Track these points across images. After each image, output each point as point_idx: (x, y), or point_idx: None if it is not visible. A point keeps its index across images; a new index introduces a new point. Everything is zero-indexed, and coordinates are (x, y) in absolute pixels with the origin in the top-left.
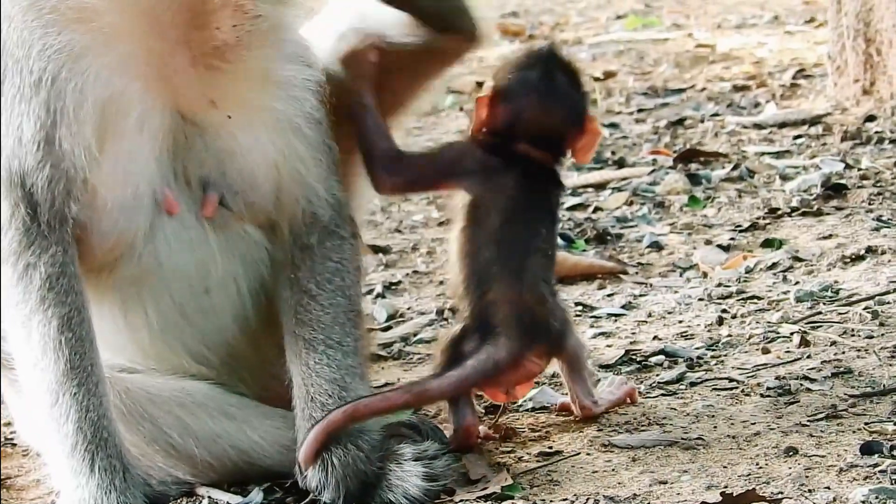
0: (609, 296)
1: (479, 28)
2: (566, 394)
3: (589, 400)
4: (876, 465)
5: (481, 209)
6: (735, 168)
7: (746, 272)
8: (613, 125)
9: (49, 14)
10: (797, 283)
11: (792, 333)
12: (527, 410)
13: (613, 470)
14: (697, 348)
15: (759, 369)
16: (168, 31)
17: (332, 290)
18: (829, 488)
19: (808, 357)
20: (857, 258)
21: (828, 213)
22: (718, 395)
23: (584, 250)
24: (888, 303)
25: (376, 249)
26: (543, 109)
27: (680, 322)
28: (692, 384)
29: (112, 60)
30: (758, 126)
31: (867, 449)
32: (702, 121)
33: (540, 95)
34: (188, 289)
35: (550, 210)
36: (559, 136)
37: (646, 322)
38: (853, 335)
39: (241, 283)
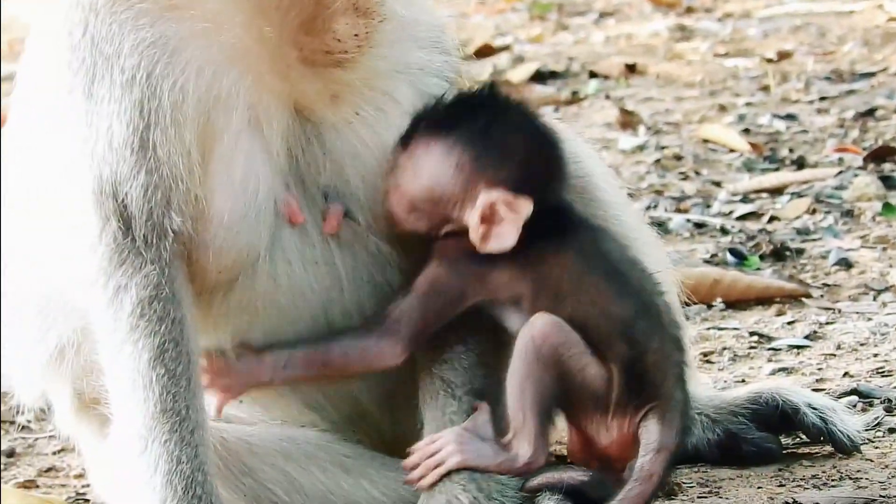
0: (789, 324)
1: None
2: None
3: None
4: None
5: (565, 283)
6: None
7: None
8: (791, 117)
9: (140, 3)
10: None
11: None
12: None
13: None
14: None
15: None
16: (277, 26)
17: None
18: None
19: None
20: None
21: None
22: None
23: (759, 268)
24: None
25: None
26: None
27: (875, 356)
28: (891, 430)
29: (216, 53)
30: None
31: None
32: None
33: None
34: (309, 321)
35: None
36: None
37: (834, 356)
38: None
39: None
